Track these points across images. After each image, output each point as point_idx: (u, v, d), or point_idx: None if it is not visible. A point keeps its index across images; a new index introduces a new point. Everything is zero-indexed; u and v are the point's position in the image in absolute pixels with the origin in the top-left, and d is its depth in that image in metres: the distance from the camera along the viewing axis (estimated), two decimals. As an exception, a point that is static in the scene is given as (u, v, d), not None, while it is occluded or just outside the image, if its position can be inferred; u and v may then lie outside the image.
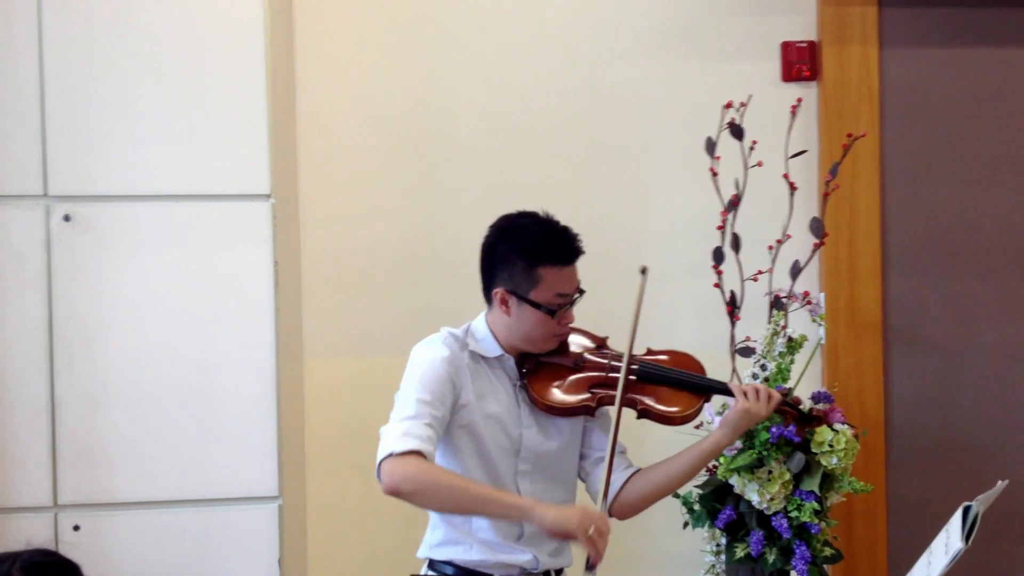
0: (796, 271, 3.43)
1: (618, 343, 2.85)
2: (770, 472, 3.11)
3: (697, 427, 3.17)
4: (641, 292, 2.76)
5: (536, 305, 2.68)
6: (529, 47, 3.78)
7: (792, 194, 3.46)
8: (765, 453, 3.10)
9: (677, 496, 3.19)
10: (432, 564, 2.77)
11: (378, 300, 3.72)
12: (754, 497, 3.11)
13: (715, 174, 3.44)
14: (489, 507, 2.55)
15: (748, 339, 3.38)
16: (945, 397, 3.80)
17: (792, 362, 3.26)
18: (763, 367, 3.23)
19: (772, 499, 3.10)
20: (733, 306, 3.45)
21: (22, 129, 3.23)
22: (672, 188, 3.79)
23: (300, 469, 3.63)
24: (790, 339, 3.25)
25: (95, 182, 3.25)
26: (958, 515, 2.25)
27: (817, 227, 3.45)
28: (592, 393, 2.75)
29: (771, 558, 3.13)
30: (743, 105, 3.42)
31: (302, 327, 3.68)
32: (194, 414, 3.26)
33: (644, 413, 2.79)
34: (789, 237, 3.46)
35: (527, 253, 2.67)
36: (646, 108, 3.81)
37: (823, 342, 3.64)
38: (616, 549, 3.66)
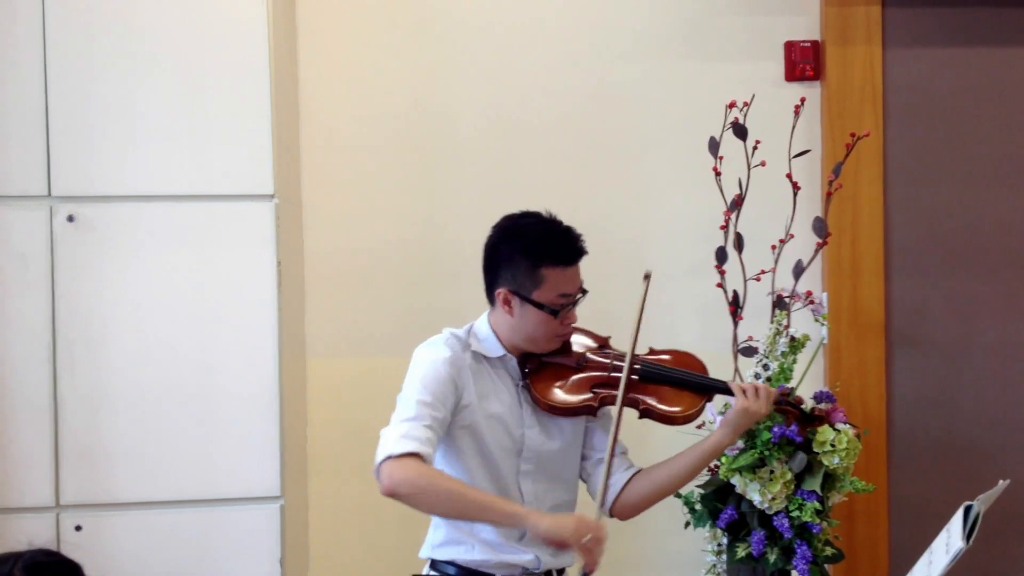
0: (799, 271, 3.43)
1: (620, 343, 2.85)
2: (772, 472, 3.11)
3: (699, 427, 3.17)
4: (644, 298, 2.75)
5: (539, 305, 2.68)
6: (531, 48, 3.78)
7: (795, 194, 3.45)
8: (767, 453, 3.10)
9: (679, 496, 3.19)
10: (434, 564, 2.77)
11: (380, 300, 3.72)
12: (756, 497, 3.11)
13: (718, 174, 3.44)
14: (485, 513, 2.55)
15: (751, 339, 3.38)
16: (947, 397, 3.80)
17: (794, 362, 3.25)
18: (765, 367, 3.23)
19: (774, 499, 3.10)
20: (736, 306, 3.45)
21: (25, 130, 3.23)
22: (675, 188, 3.80)
23: (302, 469, 3.63)
24: (792, 339, 3.25)
25: (98, 183, 3.26)
26: (959, 515, 2.24)
27: (820, 227, 3.45)
28: (594, 393, 2.75)
29: (772, 558, 3.13)
30: (746, 105, 3.42)
31: (304, 327, 3.69)
32: (196, 414, 3.26)
33: (646, 413, 2.79)
34: (792, 237, 3.46)
35: (530, 253, 2.67)
36: (648, 108, 3.81)
37: (825, 342, 3.63)
38: (617, 549, 3.67)
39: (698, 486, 3.26)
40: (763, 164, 3.43)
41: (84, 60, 3.25)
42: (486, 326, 2.77)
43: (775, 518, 3.12)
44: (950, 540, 2.25)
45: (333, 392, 3.70)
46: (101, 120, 3.26)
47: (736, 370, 3.42)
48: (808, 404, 3.11)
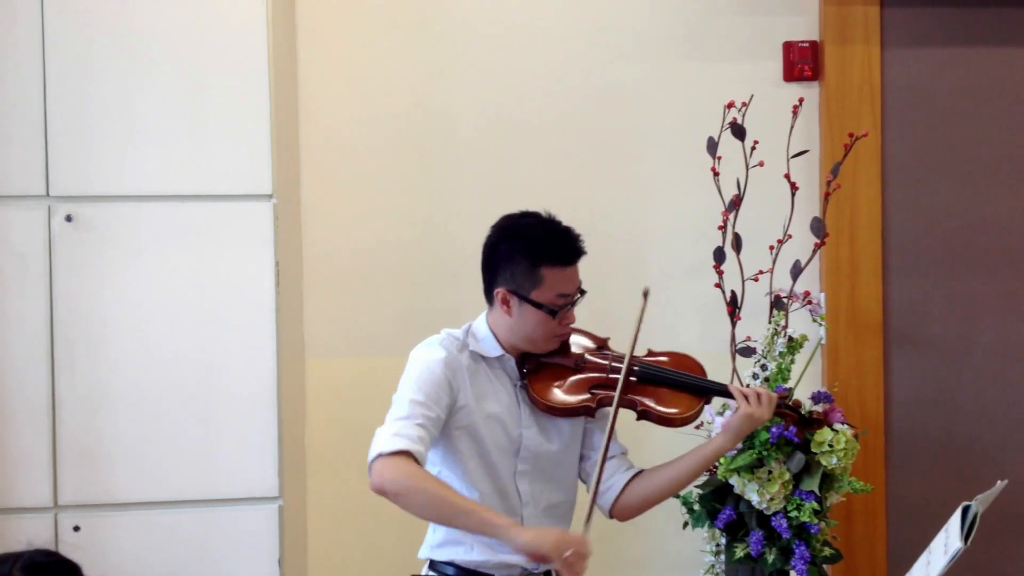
0: (797, 271, 3.43)
1: (619, 345, 2.85)
2: (770, 472, 3.11)
3: (697, 427, 3.17)
4: (642, 313, 2.75)
5: (537, 305, 2.68)
6: (530, 48, 3.78)
7: (793, 194, 3.45)
8: (765, 453, 3.11)
9: (677, 496, 3.19)
10: (433, 564, 2.77)
11: (379, 300, 3.72)
12: (754, 497, 3.11)
13: (716, 174, 3.44)
14: (466, 520, 2.53)
15: (749, 339, 3.38)
16: (945, 397, 3.80)
17: (792, 362, 3.26)
18: (763, 367, 3.23)
19: (772, 499, 3.10)
20: (734, 306, 3.45)
21: (24, 130, 3.23)
22: (673, 188, 3.80)
23: (301, 469, 3.63)
24: (790, 339, 3.25)
25: (97, 182, 3.26)
26: (957, 515, 2.25)
27: (818, 227, 3.45)
28: (592, 394, 2.75)
29: (771, 558, 3.14)
30: (744, 105, 3.42)
31: (303, 327, 3.69)
32: (195, 414, 3.27)
33: (644, 414, 2.79)
34: (790, 237, 3.46)
35: (529, 253, 2.67)
36: (647, 108, 3.81)
37: (823, 342, 3.64)
38: (616, 549, 3.70)
39: (696, 486, 3.26)
40: (761, 164, 3.43)
41: (83, 60, 3.25)
42: (484, 326, 2.77)
43: (773, 518, 3.12)
44: (948, 540, 2.25)
45: (332, 392, 3.70)
46: (100, 120, 3.26)
47: (734, 370, 3.43)
48: (806, 404, 3.12)
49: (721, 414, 3.15)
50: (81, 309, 3.24)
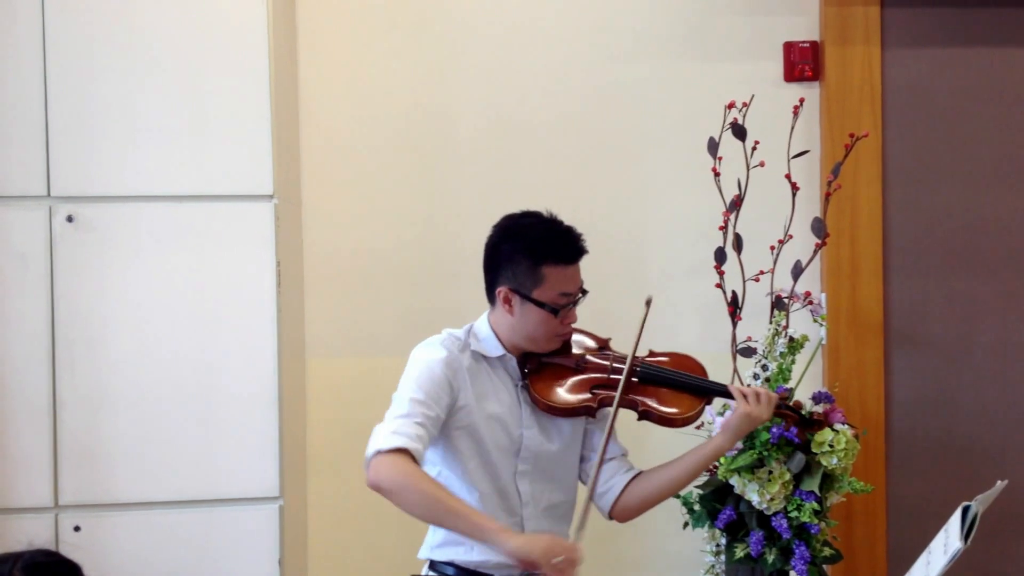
0: (798, 271, 3.43)
1: (620, 346, 2.85)
2: (770, 472, 3.11)
3: (698, 427, 3.17)
4: (643, 321, 2.75)
5: (539, 304, 2.68)
6: (531, 48, 3.78)
7: (794, 194, 3.45)
8: (765, 453, 3.10)
9: (677, 496, 3.19)
10: (433, 565, 2.77)
11: (380, 300, 3.72)
12: (754, 497, 3.11)
13: (717, 174, 3.44)
14: (456, 522, 2.52)
15: (749, 339, 3.38)
16: (946, 397, 3.80)
17: (793, 362, 3.26)
18: (764, 367, 3.23)
19: (772, 499, 3.10)
20: (735, 306, 3.45)
21: (25, 130, 3.24)
22: (674, 188, 3.80)
23: (301, 469, 3.63)
24: (791, 339, 3.25)
25: (98, 183, 3.26)
26: (957, 515, 2.25)
27: (819, 227, 3.45)
28: (593, 394, 2.75)
29: (771, 558, 3.13)
30: (745, 105, 3.42)
31: (304, 327, 3.69)
32: (195, 414, 3.27)
33: (645, 415, 2.79)
34: (791, 237, 3.46)
35: (531, 252, 2.68)
36: (648, 109, 3.81)
37: (824, 342, 3.64)
38: (616, 549, 3.70)
39: (697, 486, 3.26)
40: (762, 164, 3.43)
41: (84, 60, 3.25)
42: (486, 326, 2.78)
43: (773, 518, 3.12)
44: (948, 540, 2.25)
45: (332, 392, 3.70)
46: (100, 120, 3.26)
47: (735, 371, 3.43)
48: (807, 404, 3.12)
49: (722, 414, 3.15)
50: (82, 309, 3.24)
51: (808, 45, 3.81)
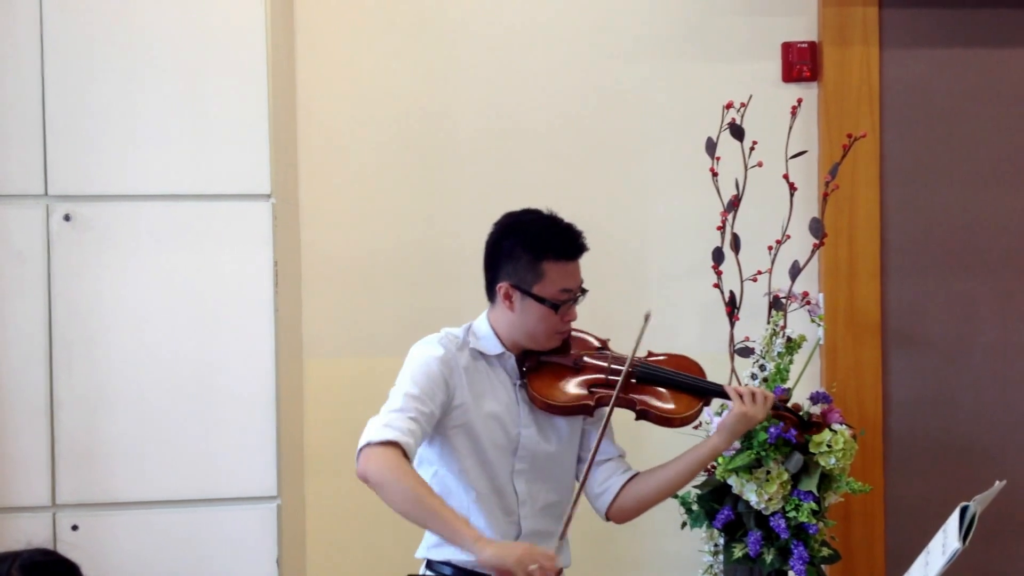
0: (795, 271, 3.43)
1: (619, 346, 2.85)
2: (768, 472, 3.11)
3: (696, 427, 3.17)
4: (641, 335, 2.74)
5: (540, 299, 2.68)
6: (530, 49, 3.78)
7: (792, 194, 3.45)
8: (763, 453, 3.10)
9: (675, 496, 3.19)
10: (430, 564, 2.77)
11: (378, 301, 3.72)
12: (752, 497, 3.11)
13: (715, 174, 3.44)
14: (435, 523, 2.52)
15: (747, 339, 3.38)
16: (944, 397, 3.81)
17: (791, 362, 3.26)
18: (762, 367, 3.23)
19: (770, 499, 3.10)
20: (732, 306, 3.45)
21: (23, 129, 3.23)
22: (672, 189, 3.80)
23: (299, 469, 3.63)
24: (789, 339, 3.25)
25: (95, 182, 3.26)
26: (955, 515, 2.25)
27: (817, 227, 3.45)
28: (591, 392, 2.75)
29: (769, 558, 3.14)
30: (743, 106, 3.42)
31: (302, 327, 3.69)
32: (193, 414, 3.26)
33: (643, 414, 2.79)
34: (789, 237, 3.46)
35: (532, 247, 2.68)
36: (647, 109, 3.81)
37: (822, 342, 3.64)
38: (614, 549, 3.70)
39: (695, 487, 3.26)
40: (760, 165, 3.43)
41: (82, 59, 3.25)
42: (485, 324, 2.78)
43: (772, 519, 3.12)
44: (946, 541, 2.25)
45: (330, 392, 3.70)
46: (98, 119, 3.25)
47: (732, 371, 3.43)
48: (804, 404, 3.12)
49: (719, 414, 3.15)
50: (79, 309, 3.24)
51: (806, 45, 3.81)
